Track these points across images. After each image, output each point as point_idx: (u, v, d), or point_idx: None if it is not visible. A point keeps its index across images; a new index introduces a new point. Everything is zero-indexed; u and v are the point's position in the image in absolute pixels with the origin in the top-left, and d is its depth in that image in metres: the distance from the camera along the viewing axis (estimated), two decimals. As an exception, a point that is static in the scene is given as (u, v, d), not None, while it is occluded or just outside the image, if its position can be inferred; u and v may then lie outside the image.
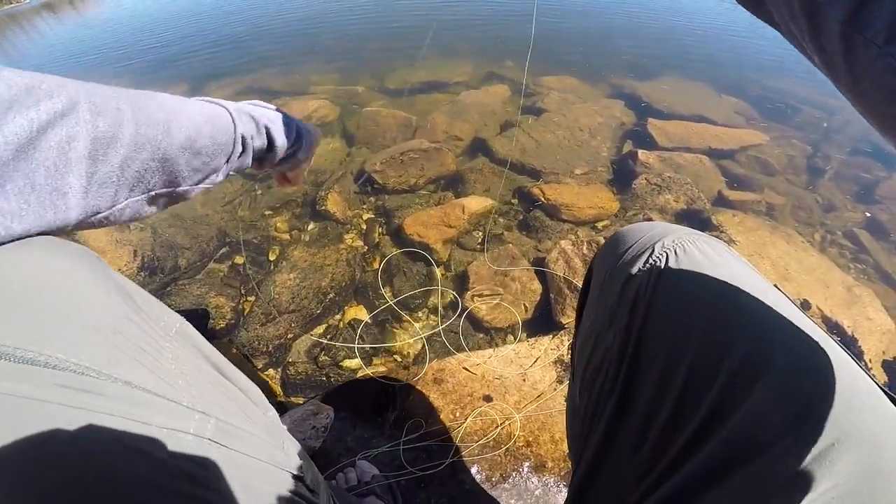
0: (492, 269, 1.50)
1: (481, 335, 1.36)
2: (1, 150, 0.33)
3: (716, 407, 0.40)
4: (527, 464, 1.02)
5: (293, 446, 0.50)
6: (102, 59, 4.03)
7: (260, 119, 0.61)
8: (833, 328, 1.41)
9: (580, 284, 0.69)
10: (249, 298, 1.44)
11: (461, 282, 1.50)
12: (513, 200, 1.87)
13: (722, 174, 2.12)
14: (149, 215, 0.51)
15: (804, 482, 0.35)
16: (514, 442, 1.04)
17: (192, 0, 5.95)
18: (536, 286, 1.48)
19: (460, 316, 1.40)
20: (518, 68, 2.93)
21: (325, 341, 1.33)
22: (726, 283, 0.46)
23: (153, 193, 0.48)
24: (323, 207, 1.74)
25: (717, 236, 1.63)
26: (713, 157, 2.19)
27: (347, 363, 1.27)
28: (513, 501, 0.97)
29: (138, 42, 4.29)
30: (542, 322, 1.39)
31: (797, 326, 0.41)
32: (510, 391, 1.15)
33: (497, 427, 1.07)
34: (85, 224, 0.42)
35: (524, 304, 1.42)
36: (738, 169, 2.17)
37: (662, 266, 0.49)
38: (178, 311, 0.47)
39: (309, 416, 1.05)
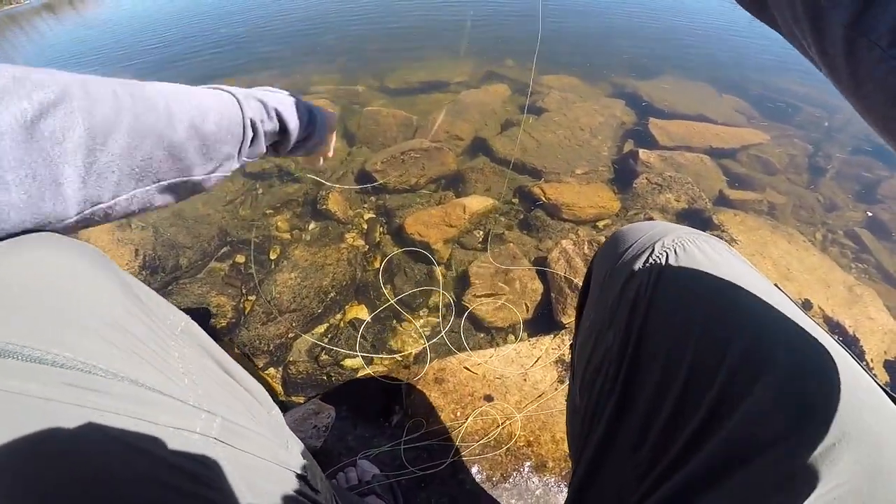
0: (493, 269, 1.50)
1: (482, 335, 1.36)
2: None
3: (716, 406, 0.40)
4: (528, 463, 1.02)
5: (297, 445, 0.50)
6: (103, 59, 4.03)
7: (269, 103, 0.60)
8: (834, 328, 1.41)
9: (581, 284, 0.69)
10: (250, 297, 1.44)
11: (462, 281, 1.50)
12: (514, 200, 1.87)
13: (723, 173, 2.12)
14: (164, 205, 0.50)
15: (805, 482, 0.35)
16: (515, 441, 1.05)
17: (193, 0, 5.95)
18: (537, 286, 1.48)
19: (461, 315, 1.40)
20: (518, 67, 2.93)
21: (324, 344, 1.33)
22: (726, 282, 0.46)
23: (165, 183, 0.47)
24: (324, 207, 1.74)
25: (718, 236, 1.63)
26: (714, 157, 2.19)
27: (348, 362, 1.27)
28: (513, 501, 0.97)
29: (139, 42, 4.29)
30: (543, 321, 1.39)
31: (798, 326, 0.41)
32: (511, 391, 1.15)
33: (498, 427, 1.07)
34: (90, 218, 0.42)
35: (525, 304, 1.42)
36: (739, 168, 2.17)
37: (662, 265, 0.49)
38: (181, 310, 0.47)
39: (310, 416, 1.05)
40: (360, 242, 1.66)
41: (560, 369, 1.20)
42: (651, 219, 1.75)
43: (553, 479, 1.00)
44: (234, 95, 0.55)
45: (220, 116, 0.52)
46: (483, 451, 1.03)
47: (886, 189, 2.08)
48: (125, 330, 0.35)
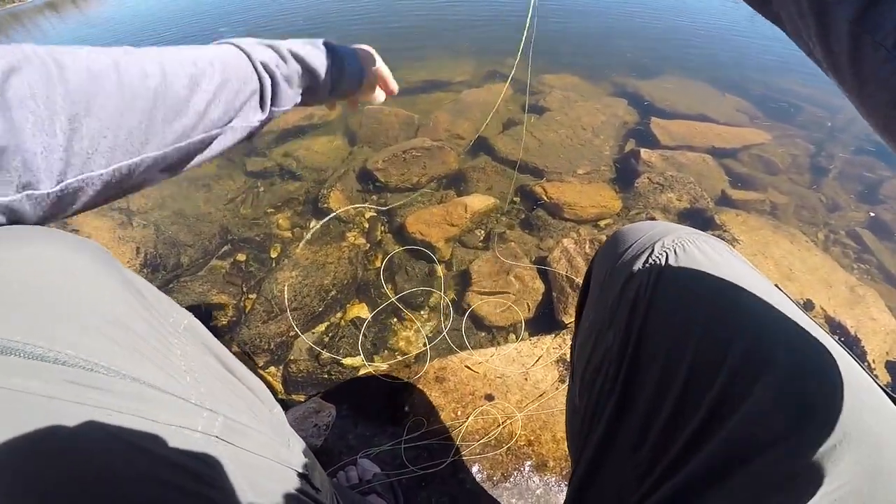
0: (494, 268, 1.50)
1: (483, 334, 1.36)
2: None
3: (716, 406, 0.40)
4: (528, 463, 1.02)
5: (298, 444, 0.50)
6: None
7: (280, 46, 0.57)
8: (836, 328, 1.41)
9: (582, 283, 0.69)
10: (251, 296, 1.44)
11: (463, 280, 1.50)
12: (515, 199, 1.87)
13: (725, 173, 2.11)
14: (196, 165, 0.48)
15: (806, 482, 0.35)
16: (516, 441, 1.04)
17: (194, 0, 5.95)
18: (538, 285, 1.48)
19: (462, 314, 1.40)
20: (521, 67, 2.93)
21: (323, 345, 1.33)
22: (727, 282, 0.46)
23: (180, 145, 0.45)
24: (325, 205, 1.74)
25: (720, 235, 1.63)
26: (716, 156, 2.18)
27: (349, 361, 1.27)
28: (514, 500, 0.97)
29: (140, 41, 4.29)
30: (544, 321, 1.39)
31: (798, 326, 0.41)
32: (512, 390, 1.15)
33: (498, 426, 1.07)
34: (76, 193, 0.39)
35: (526, 303, 1.42)
36: (741, 168, 2.16)
37: (662, 265, 0.49)
38: (182, 308, 0.47)
39: (311, 414, 1.05)
40: (362, 241, 1.66)
41: (561, 369, 1.20)
42: (653, 218, 1.75)
43: (554, 479, 1.00)
44: (237, 46, 0.53)
45: (225, 66, 0.49)
46: (484, 451, 1.03)
47: (889, 189, 2.08)
48: (127, 327, 0.35)
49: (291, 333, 1.33)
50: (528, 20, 0.95)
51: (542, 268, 1.51)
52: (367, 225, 1.72)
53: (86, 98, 0.37)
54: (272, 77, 0.54)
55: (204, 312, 1.37)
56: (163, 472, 0.32)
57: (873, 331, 1.39)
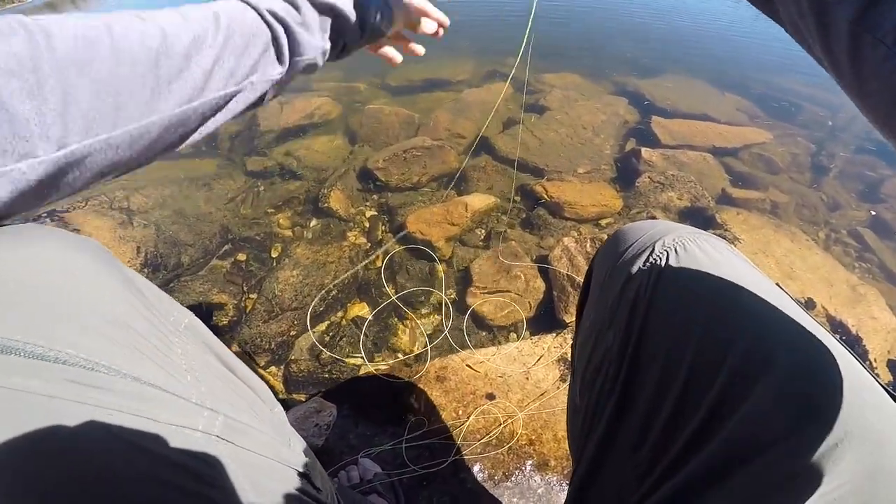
0: (495, 267, 1.50)
1: (484, 333, 1.36)
2: None
3: (716, 406, 0.40)
4: (529, 462, 1.02)
5: (299, 443, 0.50)
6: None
7: None
8: (837, 327, 1.41)
9: (583, 282, 0.69)
10: (252, 295, 1.44)
11: (464, 279, 1.50)
12: (516, 198, 1.87)
13: (726, 172, 2.11)
14: (219, 124, 0.46)
15: (807, 482, 0.35)
16: (517, 440, 1.04)
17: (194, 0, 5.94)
18: (539, 284, 1.48)
19: (463, 313, 1.40)
20: (521, 67, 2.92)
21: (324, 344, 1.33)
22: (727, 281, 0.46)
23: (193, 105, 0.43)
24: (325, 205, 1.74)
25: (721, 234, 1.63)
26: (717, 155, 2.18)
27: (350, 360, 1.27)
28: (515, 500, 0.97)
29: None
30: (545, 320, 1.39)
31: (799, 325, 0.41)
32: (513, 389, 1.15)
33: (500, 425, 1.07)
34: (106, 161, 0.37)
35: (527, 302, 1.42)
36: (741, 167, 2.16)
37: (663, 265, 0.49)
38: (183, 307, 0.46)
39: (312, 414, 1.05)
40: (362, 240, 1.66)
41: (562, 368, 1.20)
42: (653, 217, 1.74)
43: (555, 478, 1.00)
44: (243, 0, 0.50)
45: (229, 21, 0.47)
46: (485, 450, 1.03)
47: (890, 188, 2.08)
48: (127, 326, 0.35)
49: (292, 333, 1.33)
50: (530, 21, 0.94)
51: (543, 266, 1.51)
52: (367, 224, 1.72)
53: (78, 63, 0.35)
54: (284, 25, 0.51)
55: (205, 312, 1.37)
56: (163, 472, 0.32)
57: (874, 329, 1.39)
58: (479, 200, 1.74)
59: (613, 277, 0.54)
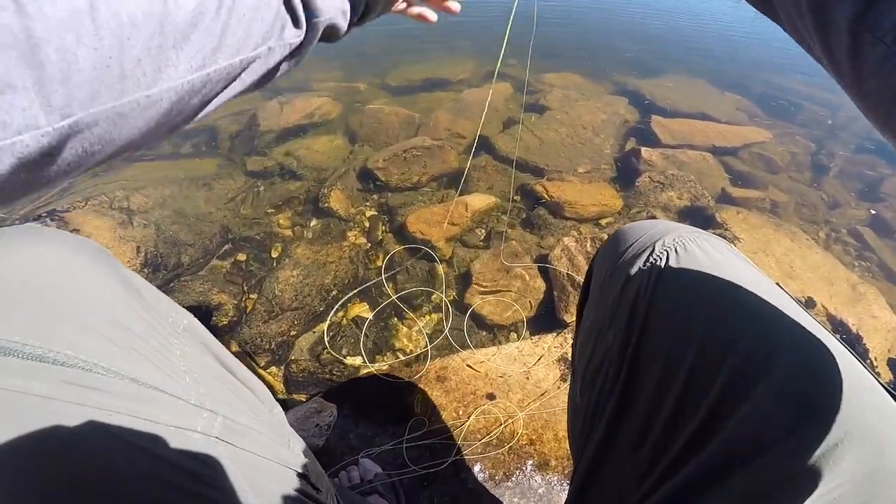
0: (495, 267, 1.50)
1: (484, 333, 1.36)
2: None
3: (716, 406, 0.40)
4: (530, 462, 1.02)
5: (298, 444, 0.50)
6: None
7: None
8: (838, 326, 1.41)
9: (583, 282, 0.69)
10: (252, 295, 1.44)
11: (464, 279, 1.50)
12: (516, 198, 1.87)
13: (725, 171, 2.12)
14: (237, 93, 0.43)
15: (806, 481, 0.35)
16: (518, 440, 1.04)
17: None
18: (540, 283, 1.48)
19: (463, 313, 1.40)
20: (521, 66, 2.92)
21: (324, 344, 1.33)
22: (727, 281, 0.45)
23: (207, 72, 0.40)
24: (326, 205, 1.74)
25: (721, 233, 1.62)
26: (716, 155, 2.18)
27: (350, 361, 1.27)
28: (516, 500, 0.97)
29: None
30: (545, 320, 1.39)
31: (800, 325, 0.41)
32: (513, 389, 1.15)
33: (500, 425, 1.07)
34: (115, 133, 0.35)
35: (528, 302, 1.42)
36: (741, 166, 2.16)
37: (663, 265, 0.49)
38: (182, 308, 0.46)
39: (312, 414, 1.05)
40: (362, 240, 1.65)
41: (563, 368, 1.20)
42: (653, 217, 1.75)
43: (556, 478, 1.00)
44: None
45: None
46: (485, 450, 1.03)
47: (889, 187, 2.08)
48: (125, 327, 0.35)
49: (292, 333, 1.33)
50: (510, 21, 0.95)
51: (544, 266, 1.51)
52: (367, 224, 1.72)
53: (75, 30, 0.32)
54: None
55: (205, 312, 1.37)
56: (163, 473, 0.33)
57: (874, 328, 1.39)
58: (479, 200, 1.74)
59: (613, 277, 0.54)
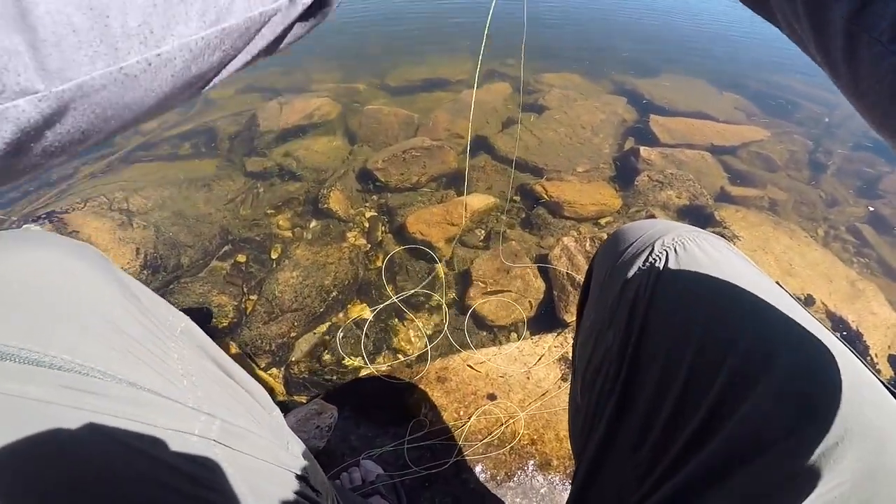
0: (495, 267, 1.50)
1: (485, 333, 1.36)
2: None
3: (716, 406, 0.40)
4: (532, 462, 1.02)
5: (298, 446, 0.50)
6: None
7: None
8: (837, 323, 1.41)
9: (583, 281, 0.69)
10: (252, 297, 1.44)
11: (464, 280, 1.50)
12: (515, 198, 1.87)
13: (724, 170, 2.12)
14: (255, 54, 0.38)
15: (807, 480, 0.35)
16: (519, 440, 1.04)
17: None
18: (539, 283, 1.48)
19: (464, 314, 1.39)
20: (520, 66, 2.92)
21: (324, 345, 1.33)
22: (727, 280, 0.45)
23: (224, 26, 0.35)
24: (325, 205, 1.74)
25: (720, 232, 1.63)
26: (715, 154, 2.19)
27: (351, 362, 1.27)
28: (518, 500, 0.97)
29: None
30: (545, 319, 1.39)
31: (799, 324, 0.41)
32: (514, 389, 1.15)
33: (501, 425, 1.07)
34: (127, 96, 0.32)
35: (528, 302, 1.42)
36: (739, 165, 2.17)
37: (662, 265, 0.49)
38: (181, 310, 0.46)
39: (313, 416, 1.05)
40: (362, 241, 1.65)
41: (563, 367, 1.20)
42: (652, 216, 1.75)
43: (558, 478, 1.00)
44: None
45: None
46: (487, 450, 1.03)
47: (887, 184, 2.08)
48: (122, 331, 0.35)
49: (292, 334, 1.33)
50: (489, 20, 0.95)
51: (543, 266, 1.51)
52: (367, 225, 1.72)
53: None
54: None
55: (205, 314, 1.37)
56: (162, 475, 0.33)
57: (874, 325, 1.39)
58: (478, 200, 1.74)
59: (613, 277, 0.54)
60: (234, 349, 1.29)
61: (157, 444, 0.33)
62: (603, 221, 1.76)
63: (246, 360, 1.27)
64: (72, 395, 0.31)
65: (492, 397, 1.13)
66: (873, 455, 0.35)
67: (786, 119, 2.57)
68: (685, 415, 0.42)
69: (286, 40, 0.42)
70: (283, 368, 1.27)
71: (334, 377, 1.23)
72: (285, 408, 1.13)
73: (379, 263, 1.56)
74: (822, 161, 2.24)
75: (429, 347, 1.29)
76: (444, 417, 1.09)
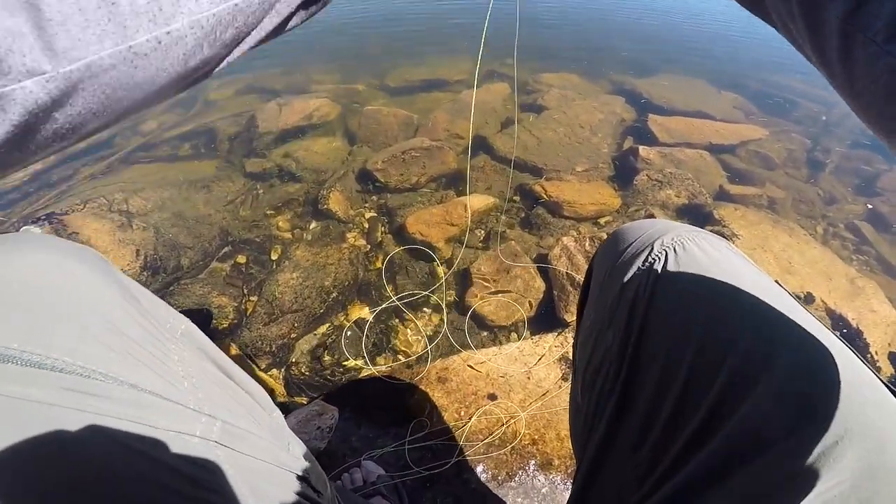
0: (495, 267, 1.50)
1: (485, 333, 1.36)
2: None
3: (716, 406, 0.40)
4: (533, 462, 1.02)
5: (298, 447, 0.50)
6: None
7: None
8: (837, 321, 1.41)
9: (583, 281, 0.69)
10: (252, 298, 1.44)
11: (464, 280, 1.50)
12: (515, 198, 1.87)
13: (723, 169, 2.12)
14: (267, 31, 0.37)
15: (806, 480, 0.35)
16: (520, 440, 1.04)
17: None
18: (539, 283, 1.48)
19: (464, 314, 1.40)
20: (519, 67, 2.92)
21: (325, 346, 1.33)
22: (726, 280, 0.45)
23: (232, 3, 0.34)
24: (325, 206, 1.74)
25: (719, 231, 1.63)
26: (714, 153, 2.19)
27: (351, 362, 1.27)
28: (519, 500, 0.97)
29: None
30: (545, 319, 1.39)
31: (799, 324, 0.41)
32: (515, 389, 1.15)
33: (502, 425, 1.07)
34: (137, 75, 0.31)
35: (528, 302, 1.42)
36: (738, 163, 2.17)
37: (662, 264, 0.49)
38: (181, 311, 0.47)
39: (314, 417, 1.05)
40: (362, 242, 1.66)
41: (564, 367, 1.20)
42: (652, 215, 1.75)
43: (559, 477, 1.00)
44: None
45: None
46: (488, 450, 1.03)
47: (886, 182, 2.09)
48: (123, 333, 0.35)
49: (293, 335, 1.33)
50: (487, 19, 0.95)
51: (543, 266, 1.51)
52: (367, 225, 1.72)
53: None
54: None
55: (205, 315, 1.37)
56: (162, 476, 0.33)
57: (874, 323, 1.39)
58: (478, 201, 1.74)
59: (613, 277, 0.54)
60: (234, 350, 1.29)
61: (158, 445, 0.33)
62: (602, 221, 1.76)
63: (246, 361, 1.27)
64: (74, 398, 0.31)
65: (492, 397, 1.13)
66: (873, 454, 0.35)
67: (784, 118, 2.58)
68: (685, 415, 0.42)
69: (298, 16, 0.40)
70: (283, 369, 1.27)
71: (335, 378, 1.23)
72: (286, 409, 1.13)
73: (379, 264, 1.56)
74: (821, 159, 2.25)
75: (429, 348, 1.29)
76: (445, 418, 1.09)
